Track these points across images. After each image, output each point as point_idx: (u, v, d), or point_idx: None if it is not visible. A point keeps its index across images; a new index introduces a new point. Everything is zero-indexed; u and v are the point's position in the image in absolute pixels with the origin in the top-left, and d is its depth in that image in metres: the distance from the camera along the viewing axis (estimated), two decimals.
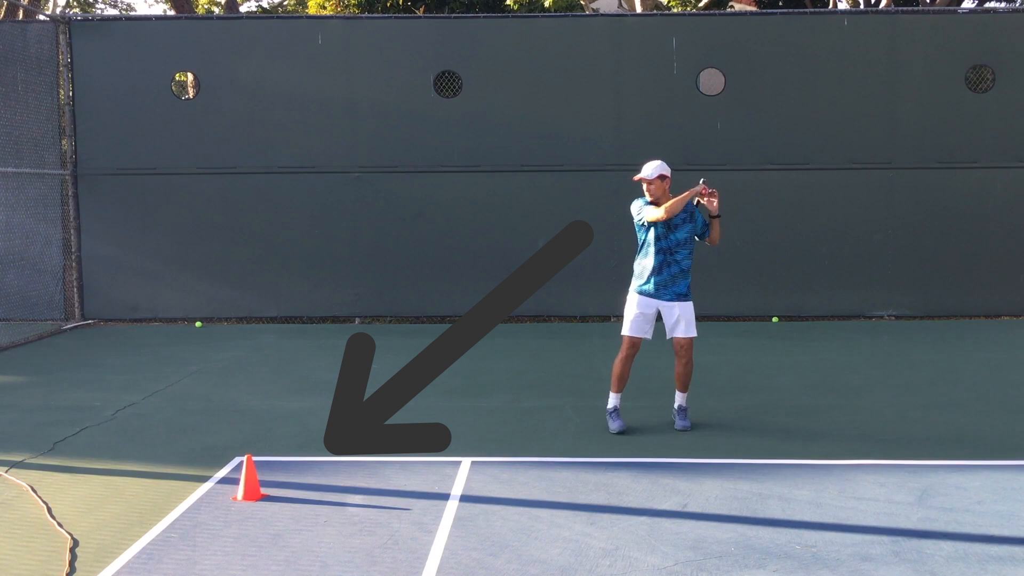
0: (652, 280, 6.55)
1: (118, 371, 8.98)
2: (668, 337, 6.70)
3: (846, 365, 9.06)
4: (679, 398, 6.86)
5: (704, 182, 6.48)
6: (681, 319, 6.57)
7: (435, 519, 4.97)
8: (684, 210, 6.51)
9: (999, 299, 11.73)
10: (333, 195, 11.78)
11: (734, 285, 11.71)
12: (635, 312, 6.61)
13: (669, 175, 6.58)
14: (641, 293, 6.62)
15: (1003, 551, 4.52)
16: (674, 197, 6.46)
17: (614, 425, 6.70)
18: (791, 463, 5.94)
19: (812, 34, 11.71)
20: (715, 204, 6.41)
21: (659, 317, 6.68)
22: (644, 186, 6.60)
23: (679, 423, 6.81)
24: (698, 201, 6.52)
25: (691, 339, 6.62)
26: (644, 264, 6.62)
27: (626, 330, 6.64)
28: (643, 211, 6.57)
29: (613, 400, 6.80)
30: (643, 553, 4.52)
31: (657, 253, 6.53)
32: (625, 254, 11.64)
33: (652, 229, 6.53)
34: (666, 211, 6.35)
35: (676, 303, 6.57)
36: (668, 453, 6.16)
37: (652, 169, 6.57)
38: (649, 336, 6.67)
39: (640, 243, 6.68)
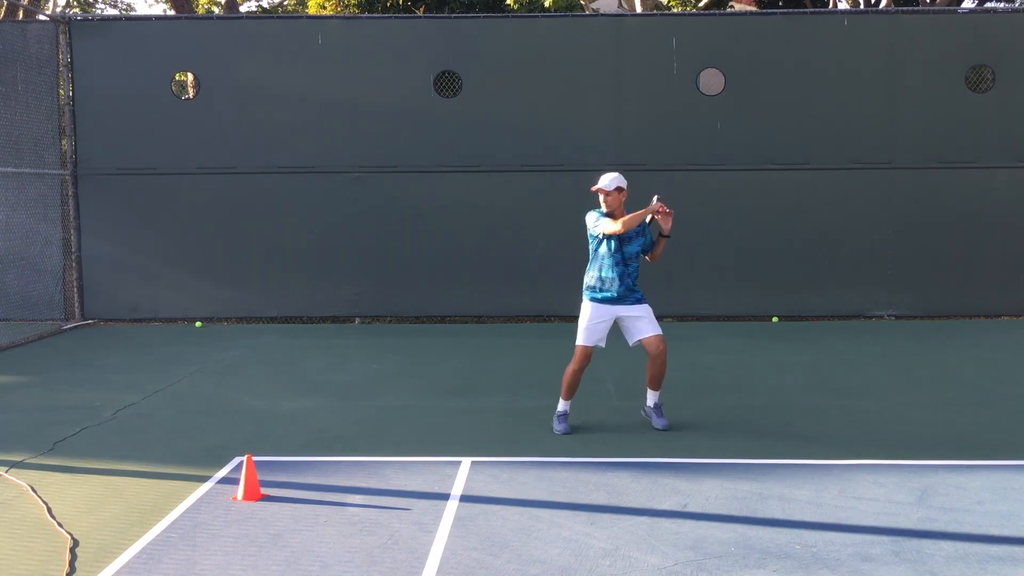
0: (614, 289, 6.52)
1: (118, 371, 8.98)
2: (635, 341, 6.63)
3: (846, 365, 9.06)
4: (653, 397, 6.84)
5: (659, 199, 6.38)
6: (647, 320, 6.57)
7: (435, 519, 4.97)
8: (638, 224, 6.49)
9: (999, 299, 11.73)
10: (333, 195, 11.78)
11: (734, 285, 11.71)
12: (592, 321, 6.57)
13: (626, 188, 6.56)
14: (600, 301, 6.56)
15: (1003, 551, 4.52)
16: (629, 213, 6.45)
17: (560, 427, 6.69)
18: (791, 463, 5.94)
19: (812, 34, 11.71)
20: (669, 224, 6.41)
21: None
22: (601, 197, 6.56)
23: (657, 422, 6.77)
24: (652, 218, 6.52)
25: (661, 336, 6.58)
26: (601, 275, 6.56)
27: (581, 340, 6.58)
28: (599, 223, 6.50)
29: (563, 406, 6.76)
30: (643, 553, 4.52)
31: (614, 265, 6.52)
32: None
33: (605, 242, 6.54)
34: (623, 225, 6.31)
35: (637, 306, 6.57)
36: (668, 453, 6.16)
37: (610, 180, 6.53)
38: (603, 344, 6.65)
39: (592, 253, 6.63)
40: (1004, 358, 9.40)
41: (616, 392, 7.93)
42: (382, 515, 5.05)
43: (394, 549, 4.59)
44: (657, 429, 6.73)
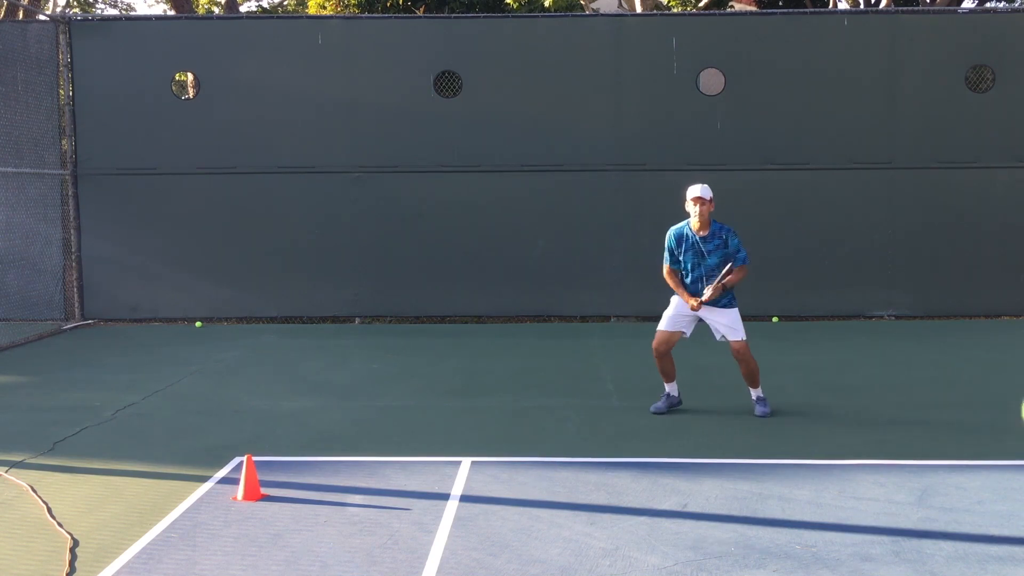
0: (699, 292, 6.88)
1: (118, 371, 8.98)
2: (719, 339, 7.04)
3: (846, 365, 9.05)
4: (752, 393, 7.14)
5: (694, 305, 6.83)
6: (728, 325, 6.90)
7: (435, 519, 4.97)
8: (718, 237, 6.86)
9: (999, 299, 11.72)
10: (333, 195, 11.78)
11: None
12: (673, 313, 7.00)
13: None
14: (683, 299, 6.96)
15: (1003, 551, 4.52)
16: (718, 225, 6.93)
17: (653, 406, 7.17)
18: (791, 463, 5.94)
19: (812, 34, 11.71)
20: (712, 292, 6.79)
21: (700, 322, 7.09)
22: (697, 208, 6.80)
23: (756, 410, 7.08)
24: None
25: (742, 341, 6.90)
26: (685, 281, 6.97)
27: (660, 325, 7.03)
28: (665, 257, 7.05)
29: (665, 388, 7.23)
30: (643, 553, 4.52)
31: (695, 279, 6.92)
32: (626, 254, 11.67)
33: (685, 261, 6.91)
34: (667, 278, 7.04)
35: (720, 310, 6.88)
36: (668, 453, 6.16)
37: (703, 189, 6.84)
38: (686, 333, 6.98)
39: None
40: (1004, 358, 9.40)
41: (616, 392, 7.93)
42: (382, 515, 5.05)
43: (394, 549, 4.59)
44: (757, 416, 7.01)
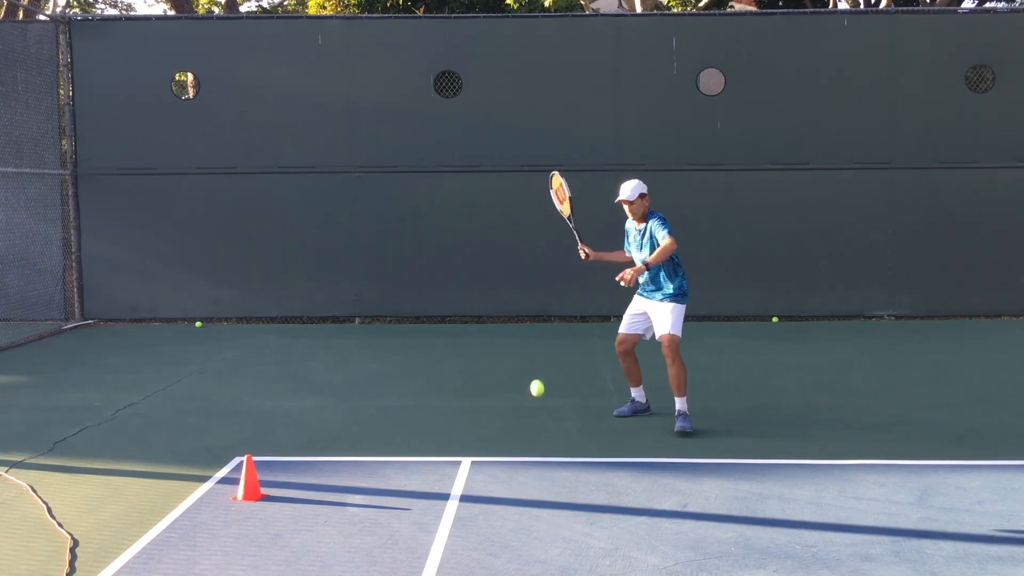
0: (642, 284, 6.87)
1: (118, 371, 8.98)
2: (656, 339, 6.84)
3: (846, 365, 9.05)
4: (676, 403, 6.76)
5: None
6: (663, 319, 6.70)
7: (435, 519, 4.97)
8: (641, 234, 6.82)
9: (999, 299, 11.72)
10: (333, 195, 11.78)
11: (734, 285, 11.70)
12: (628, 311, 6.99)
13: (646, 191, 6.80)
14: (638, 294, 6.96)
15: (1003, 551, 4.52)
16: (653, 216, 6.81)
17: (617, 409, 7.14)
18: (791, 463, 5.94)
19: (812, 34, 11.71)
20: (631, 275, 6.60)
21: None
22: (625, 208, 6.82)
23: (678, 425, 6.70)
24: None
25: (668, 336, 6.61)
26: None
27: (620, 327, 7.03)
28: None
29: (631, 393, 7.17)
30: (643, 553, 4.52)
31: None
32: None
33: (630, 251, 7.00)
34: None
35: (658, 303, 6.76)
36: (668, 453, 6.16)
37: (631, 190, 6.75)
38: (642, 334, 6.92)
39: None
40: (1004, 358, 9.40)
41: (616, 392, 7.93)
42: (382, 515, 5.05)
43: (394, 549, 4.59)
44: (676, 433, 6.60)
